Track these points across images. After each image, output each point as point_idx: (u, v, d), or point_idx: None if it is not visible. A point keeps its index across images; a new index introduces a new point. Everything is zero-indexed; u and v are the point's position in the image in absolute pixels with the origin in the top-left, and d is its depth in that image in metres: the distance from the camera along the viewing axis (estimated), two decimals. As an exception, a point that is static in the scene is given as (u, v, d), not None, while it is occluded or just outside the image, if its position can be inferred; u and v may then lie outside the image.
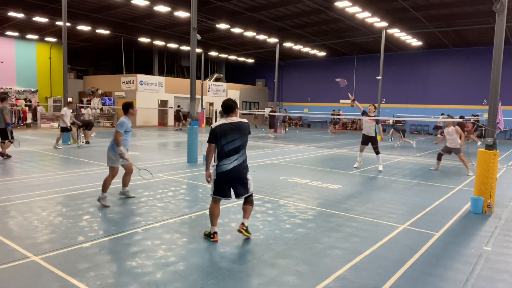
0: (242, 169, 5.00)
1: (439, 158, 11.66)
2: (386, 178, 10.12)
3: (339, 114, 31.00)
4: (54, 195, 7.21)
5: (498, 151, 6.99)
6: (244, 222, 5.09)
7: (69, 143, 15.86)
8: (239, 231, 5.09)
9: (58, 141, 14.76)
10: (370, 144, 10.98)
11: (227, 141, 4.84)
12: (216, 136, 4.83)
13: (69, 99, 17.14)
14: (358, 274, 4.17)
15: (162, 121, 30.94)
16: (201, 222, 5.85)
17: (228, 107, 5.01)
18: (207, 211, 6.40)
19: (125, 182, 7.08)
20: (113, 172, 6.70)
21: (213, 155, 4.97)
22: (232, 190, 5.03)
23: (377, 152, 11.01)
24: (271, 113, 22.95)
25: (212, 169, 5.02)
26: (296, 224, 5.83)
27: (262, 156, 13.85)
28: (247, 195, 5.07)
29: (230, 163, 4.88)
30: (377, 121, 10.85)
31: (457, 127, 11.09)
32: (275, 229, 5.60)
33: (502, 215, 6.72)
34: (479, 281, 4.12)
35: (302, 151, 15.96)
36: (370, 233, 5.51)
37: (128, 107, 6.91)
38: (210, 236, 5.05)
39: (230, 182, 4.97)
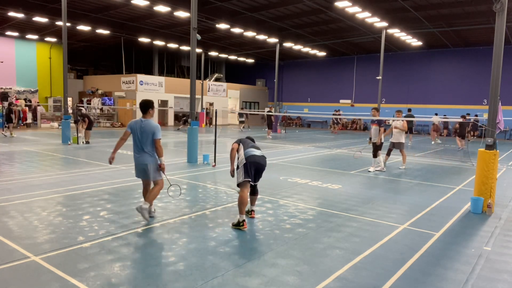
0: None
1: (388, 153, 11.76)
2: (386, 178, 10.12)
3: (339, 114, 30.99)
4: (54, 195, 7.21)
5: (498, 151, 6.99)
6: (254, 209, 6.22)
7: (69, 143, 15.86)
8: (253, 217, 6.09)
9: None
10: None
11: None
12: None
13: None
14: (358, 274, 4.17)
15: (162, 121, 30.94)
16: (201, 222, 5.85)
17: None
18: (207, 211, 6.42)
19: (150, 198, 5.88)
20: (162, 183, 5.89)
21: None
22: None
23: (375, 156, 11.07)
24: (268, 113, 22.94)
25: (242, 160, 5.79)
26: (296, 224, 5.83)
27: (262, 156, 13.84)
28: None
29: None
30: (379, 124, 10.89)
31: (404, 121, 11.58)
32: (275, 229, 5.59)
33: (502, 215, 6.72)
34: (479, 281, 4.12)
35: (302, 151, 15.96)
36: (370, 233, 5.51)
37: (149, 106, 5.87)
38: (240, 225, 5.55)
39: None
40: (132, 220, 5.82)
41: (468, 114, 22.84)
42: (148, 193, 5.81)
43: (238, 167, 5.77)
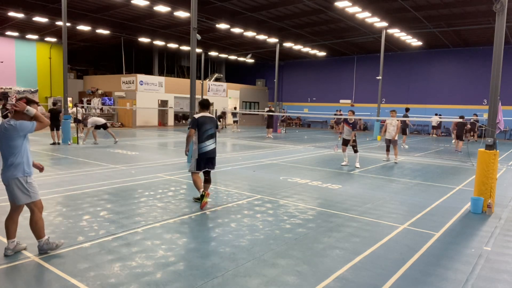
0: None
1: (387, 149, 13.27)
2: (386, 178, 10.12)
3: (340, 114, 31.00)
4: (54, 195, 7.21)
5: (498, 151, 6.99)
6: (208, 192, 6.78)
7: (69, 143, 15.85)
8: (208, 195, 6.66)
9: (96, 138, 16.42)
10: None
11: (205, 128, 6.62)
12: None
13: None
14: (358, 274, 4.17)
15: (162, 121, 30.95)
16: (202, 222, 5.85)
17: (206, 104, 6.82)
18: (207, 211, 6.43)
19: (12, 230, 4.44)
20: (39, 205, 4.45)
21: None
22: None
23: (355, 151, 11.79)
24: (269, 113, 22.94)
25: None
26: (296, 224, 5.83)
27: (262, 156, 13.86)
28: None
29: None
30: (353, 127, 11.73)
31: (398, 121, 12.82)
32: (275, 229, 5.60)
33: (502, 215, 6.72)
34: (479, 281, 4.12)
35: (302, 151, 15.96)
36: (370, 233, 5.51)
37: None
38: (202, 196, 6.52)
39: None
40: (132, 220, 5.82)
41: (475, 115, 22.80)
42: (31, 228, 4.40)
43: (192, 155, 6.68)
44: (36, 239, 4.45)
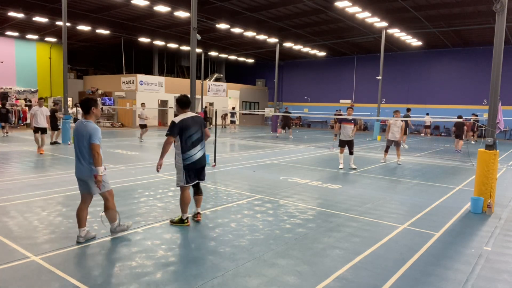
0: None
1: (386, 150, 13.02)
2: (386, 178, 10.12)
3: (340, 114, 31.01)
4: (54, 195, 7.21)
5: (498, 151, 6.99)
6: (200, 211, 5.88)
7: (69, 143, 15.85)
8: (198, 220, 5.78)
9: (142, 136, 17.86)
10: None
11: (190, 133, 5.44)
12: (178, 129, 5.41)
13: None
14: (358, 274, 4.17)
15: (162, 121, 30.94)
16: (202, 222, 5.85)
17: (186, 102, 5.59)
18: (207, 211, 6.43)
19: (84, 219, 4.88)
20: (112, 194, 5.03)
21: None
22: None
23: (351, 153, 11.36)
24: (285, 114, 22.95)
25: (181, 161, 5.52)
26: (296, 224, 5.83)
27: (262, 156, 13.85)
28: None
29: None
30: (355, 123, 11.33)
31: (403, 122, 12.56)
32: (275, 229, 5.59)
33: (502, 215, 6.72)
34: (479, 281, 4.12)
35: (302, 151, 15.96)
36: (370, 233, 5.51)
37: (91, 105, 4.87)
38: (184, 222, 5.60)
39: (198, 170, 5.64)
40: (132, 220, 5.82)
41: (475, 115, 22.79)
42: (105, 213, 4.95)
43: (176, 166, 5.49)
44: (110, 223, 5.00)
